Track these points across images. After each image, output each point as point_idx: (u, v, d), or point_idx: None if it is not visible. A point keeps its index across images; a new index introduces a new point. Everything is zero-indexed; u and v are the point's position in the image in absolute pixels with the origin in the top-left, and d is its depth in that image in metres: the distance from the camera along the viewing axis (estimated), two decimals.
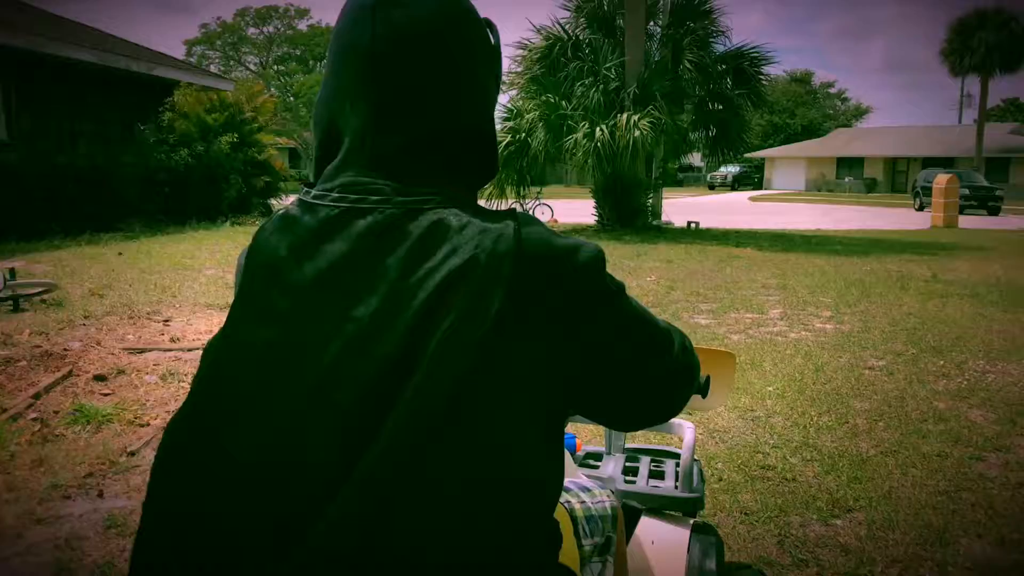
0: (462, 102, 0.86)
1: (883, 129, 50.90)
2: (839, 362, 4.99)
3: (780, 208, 27.68)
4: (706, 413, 3.74)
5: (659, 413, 0.94)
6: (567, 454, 1.45)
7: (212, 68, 46.44)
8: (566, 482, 1.22)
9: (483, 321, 0.73)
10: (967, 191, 24.34)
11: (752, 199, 35.47)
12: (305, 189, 0.87)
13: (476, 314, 0.73)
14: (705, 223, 17.14)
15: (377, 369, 0.73)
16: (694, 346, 1.02)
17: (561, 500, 1.17)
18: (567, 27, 15.51)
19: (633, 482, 1.68)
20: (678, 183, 47.31)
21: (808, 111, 57.64)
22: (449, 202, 0.81)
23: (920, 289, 8.19)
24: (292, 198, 1.02)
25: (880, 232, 17.16)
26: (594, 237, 14.44)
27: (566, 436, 1.65)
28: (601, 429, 2.48)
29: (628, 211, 14.98)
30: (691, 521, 1.61)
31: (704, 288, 8.14)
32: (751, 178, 48.93)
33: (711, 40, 15.19)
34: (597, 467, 1.74)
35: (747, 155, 40.96)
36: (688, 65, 14.45)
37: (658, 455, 1.83)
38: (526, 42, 15.68)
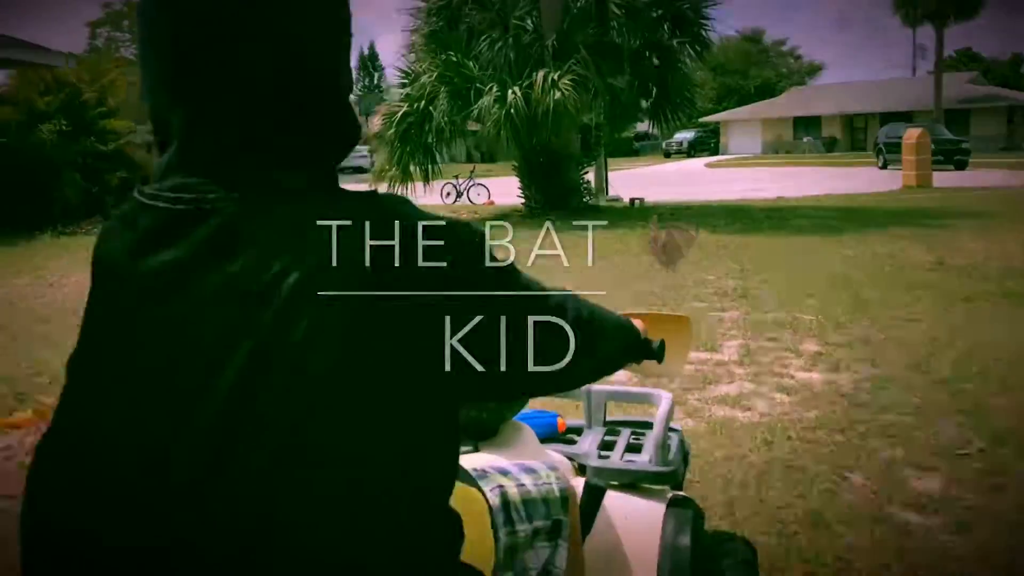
0: (297, 51, 0.73)
1: (838, 86, 49.02)
2: (850, 495, 2.60)
3: (737, 175, 25.44)
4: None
5: (555, 389, 0.95)
6: (530, 432, 1.42)
7: (124, 52, 42.51)
8: (506, 465, 1.19)
9: (344, 316, 0.68)
10: (932, 146, 22.45)
11: (708, 165, 33.27)
12: (138, 188, 0.77)
13: (336, 310, 0.68)
14: (654, 197, 14.77)
15: (230, 383, 0.67)
16: (646, 312, 1.12)
17: (489, 486, 1.11)
18: None
19: (607, 457, 1.53)
20: (634, 152, 44.92)
21: (761, 71, 55.63)
22: (300, 190, 0.73)
23: (930, 285, 5.90)
24: None
25: (850, 197, 15.00)
26: (519, 224, 11.96)
27: (546, 414, 1.67)
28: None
29: (558, 190, 12.55)
30: (667, 495, 1.50)
31: (636, 301, 5.76)
32: (707, 143, 46.73)
33: None
34: (576, 442, 1.60)
35: (701, 119, 38.85)
36: (616, 10, 11.94)
37: (639, 426, 1.66)
38: None
